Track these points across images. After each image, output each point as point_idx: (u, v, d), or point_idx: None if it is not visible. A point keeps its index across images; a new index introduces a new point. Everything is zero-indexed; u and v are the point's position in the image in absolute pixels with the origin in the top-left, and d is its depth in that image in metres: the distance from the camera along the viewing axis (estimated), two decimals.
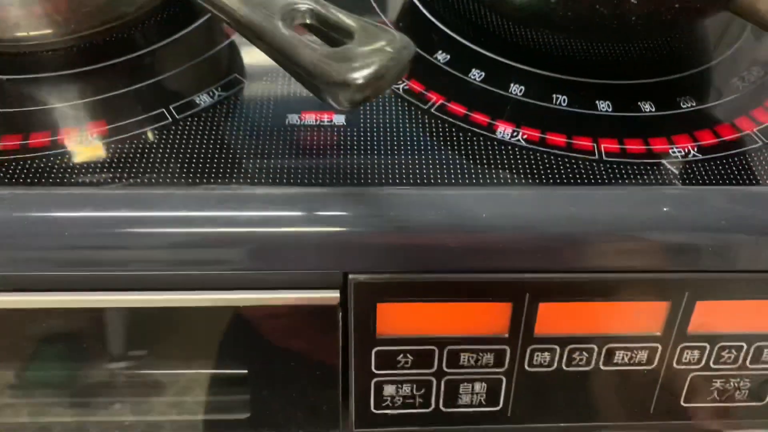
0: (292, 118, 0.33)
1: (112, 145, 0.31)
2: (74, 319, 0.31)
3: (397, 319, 0.31)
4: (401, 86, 0.35)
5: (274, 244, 0.29)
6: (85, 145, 0.31)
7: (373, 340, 0.31)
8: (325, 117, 0.33)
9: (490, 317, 0.31)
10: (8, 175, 0.30)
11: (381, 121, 0.33)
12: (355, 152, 0.31)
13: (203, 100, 0.33)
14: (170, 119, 0.32)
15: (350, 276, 0.30)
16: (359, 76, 0.20)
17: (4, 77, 0.35)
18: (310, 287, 0.30)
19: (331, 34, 0.22)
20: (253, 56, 0.36)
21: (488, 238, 0.29)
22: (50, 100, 0.34)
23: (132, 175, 0.30)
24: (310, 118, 0.33)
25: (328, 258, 0.30)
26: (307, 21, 0.22)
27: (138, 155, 0.31)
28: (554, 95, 0.34)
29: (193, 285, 0.30)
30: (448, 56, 0.36)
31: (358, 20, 0.22)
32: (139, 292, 0.30)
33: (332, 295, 0.30)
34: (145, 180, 0.30)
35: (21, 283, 0.30)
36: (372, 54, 0.20)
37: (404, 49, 0.21)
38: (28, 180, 0.29)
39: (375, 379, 0.33)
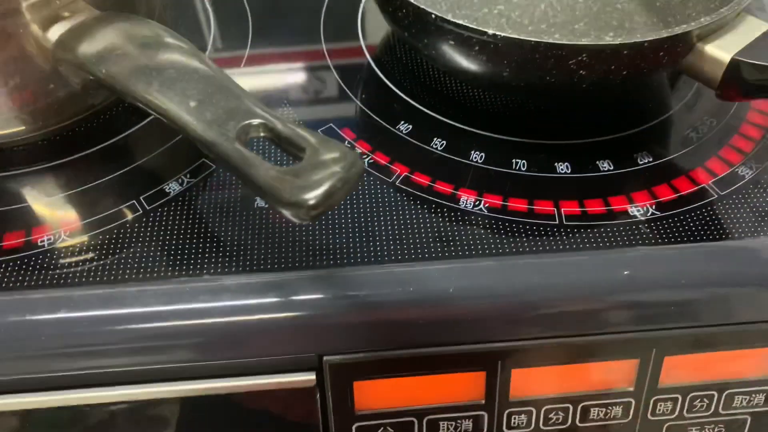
0: (261, 201, 0.34)
1: (86, 242, 0.32)
2: (56, 417, 0.31)
3: (374, 394, 0.32)
4: (367, 159, 0.36)
5: (247, 333, 0.30)
6: (59, 243, 0.32)
7: (352, 417, 0.32)
8: None
9: (465, 386, 0.32)
10: None
11: (348, 198, 0.34)
12: (324, 232, 0.32)
13: (172, 188, 0.34)
14: (141, 210, 0.33)
15: (325, 358, 0.30)
16: (310, 197, 0.21)
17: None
18: (285, 371, 0.31)
19: (285, 146, 0.23)
20: None
21: (456, 312, 0.30)
22: (22, 197, 0.34)
23: (107, 271, 0.31)
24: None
25: (301, 342, 0.30)
26: (261, 134, 0.23)
27: (111, 250, 0.32)
28: (514, 160, 0.35)
29: (171, 376, 0.31)
30: (410, 126, 0.37)
31: (310, 134, 0.22)
32: (120, 386, 0.30)
33: (308, 378, 0.31)
34: (119, 276, 0.30)
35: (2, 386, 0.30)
36: (322, 174, 0.21)
37: (353, 167, 0.21)
38: (2, 284, 0.30)
39: None
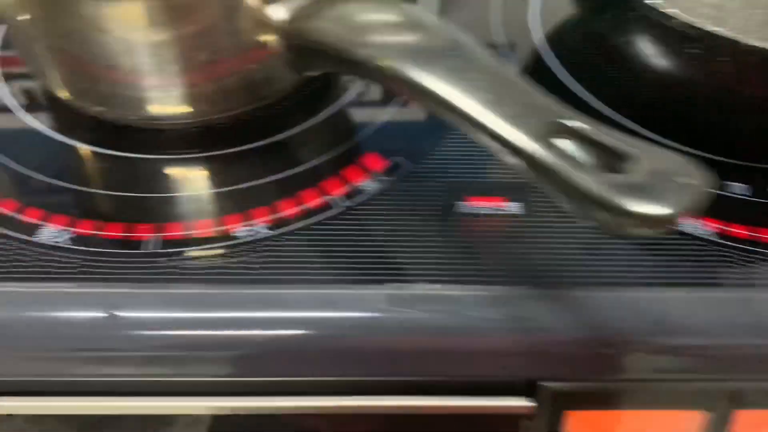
0: (462, 206, 0.31)
1: (281, 239, 0.29)
2: None
3: (585, 425, 0.29)
4: None
5: (462, 350, 0.28)
6: (253, 237, 0.29)
7: None
8: (503, 203, 0.31)
9: (684, 423, 0.29)
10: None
11: (564, 211, 0.31)
12: (537, 245, 0.30)
13: (368, 186, 0.32)
14: (338, 209, 0.31)
15: (541, 384, 0.28)
16: (667, 211, 0.18)
17: (139, 155, 0.33)
18: (494, 393, 0.29)
19: (597, 153, 0.20)
20: (413, 136, 0.34)
21: (701, 344, 0.28)
22: (191, 185, 0.32)
23: (302, 271, 0.28)
24: (481, 204, 0.31)
25: (518, 364, 0.28)
26: (568, 138, 0.21)
27: (305, 249, 0.29)
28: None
29: (366, 390, 0.28)
30: None
31: (636, 141, 0.20)
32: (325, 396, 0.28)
33: (524, 404, 0.28)
34: (321, 275, 0.28)
35: None
36: (673, 185, 0.18)
37: (702, 178, 0.19)
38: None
39: None
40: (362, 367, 0.27)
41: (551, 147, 0.20)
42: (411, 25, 0.24)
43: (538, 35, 0.40)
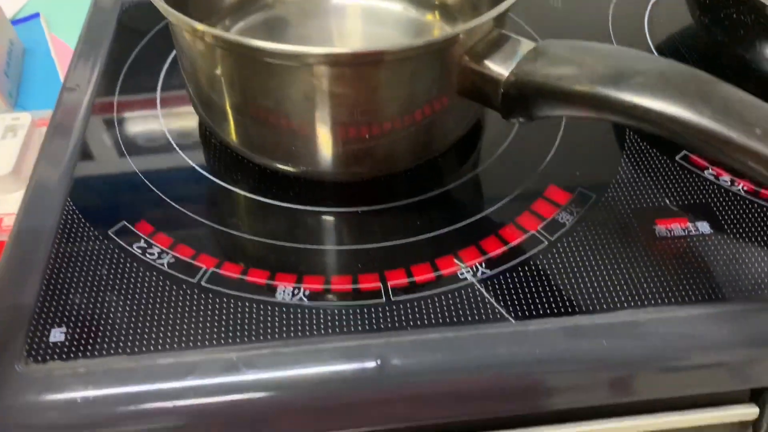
0: (659, 230, 0.33)
1: (500, 275, 0.31)
2: None
3: None
4: None
5: (696, 365, 0.29)
6: (474, 276, 0.31)
7: None
8: (689, 225, 0.33)
9: None
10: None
11: (748, 225, 0.33)
12: (732, 261, 0.31)
13: (565, 218, 0.33)
14: (546, 242, 0.32)
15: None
16: None
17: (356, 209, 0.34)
18: (719, 404, 0.31)
19: None
20: (588, 167, 0.36)
21: None
22: (400, 233, 0.34)
23: (518, 309, 0.30)
24: (674, 227, 0.33)
25: (747, 373, 0.30)
26: None
27: (518, 284, 0.31)
28: None
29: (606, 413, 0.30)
30: None
31: None
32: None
33: (749, 411, 0.30)
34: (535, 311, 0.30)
35: None
36: None
37: None
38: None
39: None
40: (610, 392, 0.29)
41: None
42: (634, 58, 0.26)
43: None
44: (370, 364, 0.27)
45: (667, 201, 0.34)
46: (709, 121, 0.24)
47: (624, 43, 0.44)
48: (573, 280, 0.31)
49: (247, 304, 0.30)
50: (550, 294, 0.30)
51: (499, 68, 0.29)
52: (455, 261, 0.32)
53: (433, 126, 0.34)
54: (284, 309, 0.29)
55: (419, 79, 0.32)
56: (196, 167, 0.37)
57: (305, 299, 0.30)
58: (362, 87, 0.31)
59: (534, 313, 0.29)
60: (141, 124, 0.39)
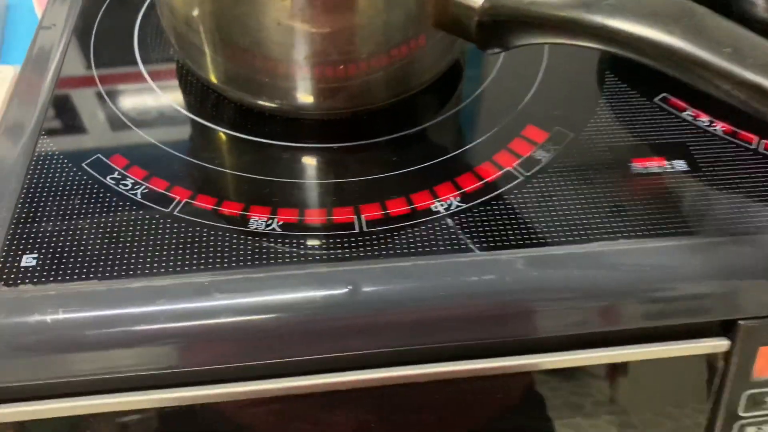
0: (635, 167, 0.33)
1: (474, 209, 0.31)
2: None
3: None
4: None
5: (672, 296, 0.29)
6: (450, 209, 0.31)
7: (746, 384, 0.32)
8: (665, 162, 0.33)
9: None
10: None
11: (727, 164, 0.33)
12: (711, 197, 0.31)
13: (542, 155, 0.33)
14: (521, 177, 0.32)
15: (740, 322, 0.30)
16: None
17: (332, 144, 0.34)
18: (693, 336, 0.31)
19: None
20: (566, 107, 0.36)
21: None
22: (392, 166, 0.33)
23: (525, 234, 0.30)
24: (650, 164, 0.33)
25: (719, 305, 0.30)
26: None
27: (492, 217, 0.31)
28: None
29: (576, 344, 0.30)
30: None
31: None
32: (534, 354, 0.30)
33: (721, 343, 0.30)
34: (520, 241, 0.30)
35: None
36: None
37: None
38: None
39: (739, 422, 0.33)
40: (581, 322, 0.29)
41: None
42: None
43: None
44: (342, 290, 0.28)
45: (645, 140, 0.34)
46: (677, 40, 0.23)
47: None
48: (547, 214, 0.31)
49: (219, 233, 0.30)
50: (523, 227, 0.30)
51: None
52: (430, 195, 0.32)
53: (410, 61, 0.34)
54: (257, 238, 0.29)
55: (394, 10, 0.31)
56: (173, 104, 0.36)
57: (278, 229, 0.30)
58: (337, 16, 0.31)
59: (507, 243, 0.29)
60: (118, 61, 0.39)
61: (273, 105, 0.35)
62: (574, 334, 0.30)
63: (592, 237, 0.30)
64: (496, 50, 0.29)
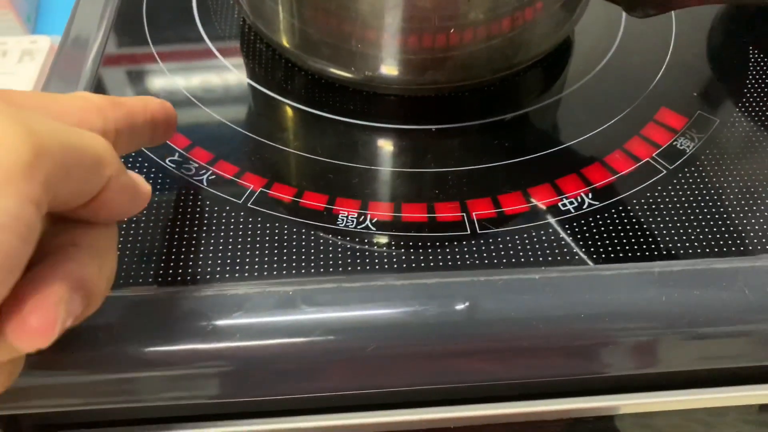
0: None
1: (612, 208, 0.25)
2: None
3: None
4: None
5: None
6: (581, 207, 0.25)
7: None
8: None
9: None
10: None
11: None
12: None
13: (686, 145, 0.28)
14: (664, 171, 0.27)
15: None
16: None
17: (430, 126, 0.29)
18: None
19: None
20: (705, 86, 0.30)
21: None
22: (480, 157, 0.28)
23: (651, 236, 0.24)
24: None
25: None
26: None
27: (635, 218, 0.25)
28: None
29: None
30: None
31: None
32: None
33: None
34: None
35: None
36: None
37: None
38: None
39: None
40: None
41: None
42: None
43: None
44: (457, 307, 0.22)
45: None
46: None
47: None
48: (702, 217, 0.25)
49: (303, 230, 0.24)
50: (676, 232, 0.24)
51: None
52: (553, 191, 0.26)
53: (520, 32, 0.28)
54: (347, 237, 0.24)
55: None
56: (239, 74, 0.31)
57: (372, 227, 0.25)
58: None
59: (660, 253, 0.24)
60: (174, 27, 0.33)
61: (358, 78, 0.29)
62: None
63: (761, 247, 0.24)
64: (650, 12, 0.24)
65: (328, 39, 0.28)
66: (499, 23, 0.28)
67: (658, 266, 0.23)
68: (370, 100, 0.30)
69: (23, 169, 0.15)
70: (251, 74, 0.31)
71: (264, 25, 0.30)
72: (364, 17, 0.27)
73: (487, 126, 0.29)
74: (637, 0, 0.24)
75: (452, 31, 0.27)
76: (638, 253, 0.24)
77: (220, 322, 0.22)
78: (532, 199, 0.26)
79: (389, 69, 0.28)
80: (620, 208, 0.25)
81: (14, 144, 0.15)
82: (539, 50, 0.31)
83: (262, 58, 0.32)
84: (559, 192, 0.26)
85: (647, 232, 0.25)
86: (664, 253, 0.24)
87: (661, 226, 0.25)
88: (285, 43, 0.30)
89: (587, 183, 0.26)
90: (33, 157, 0.15)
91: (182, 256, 0.24)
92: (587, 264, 0.24)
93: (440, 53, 0.28)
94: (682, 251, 0.24)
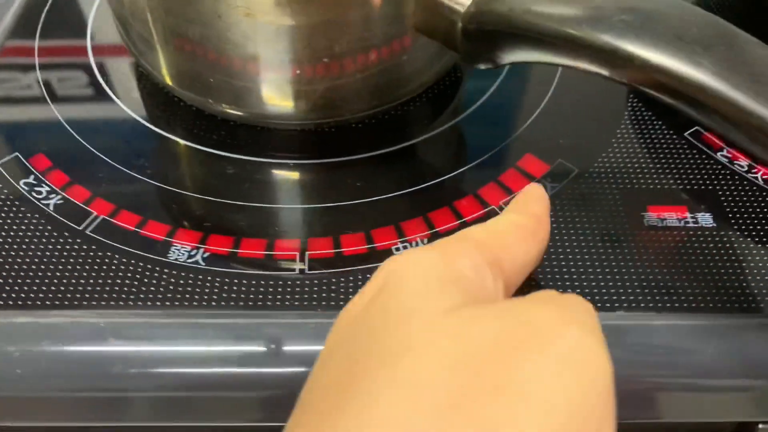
0: (648, 218, 0.27)
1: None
2: None
3: None
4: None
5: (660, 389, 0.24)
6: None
7: None
8: (687, 215, 0.27)
9: None
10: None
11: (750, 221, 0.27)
12: (729, 264, 0.26)
13: None
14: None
15: (762, 426, 0.24)
16: None
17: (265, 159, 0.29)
18: None
19: None
20: (576, 135, 0.30)
21: None
22: (333, 195, 0.28)
23: None
24: (668, 215, 0.27)
25: (734, 404, 0.24)
26: None
27: None
28: None
29: None
30: None
31: None
32: None
33: None
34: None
35: None
36: None
37: None
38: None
39: None
40: None
41: None
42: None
43: None
44: (260, 348, 0.23)
45: (666, 185, 0.28)
46: (704, 75, 0.18)
47: None
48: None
49: (133, 261, 0.25)
50: None
51: None
52: (395, 233, 0.27)
53: (389, 68, 0.29)
54: (174, 271, 0.24)
55: (370, 7, 0.26)
56: (120, 103, 0.31)
57: (202, 262, 0.25)
58: (302, 7, 0.26)
59: None
60: (63, 54, 0.34)
61: (221, 109, 0.29)
62: None
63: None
64: (483, 66, 0.24)
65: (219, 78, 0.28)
66: (365, 58, 0.28)
67: None
68: (232, 131, 0.30)
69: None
70: (127, 103, 0.32)
71: (135, 49, 0.31)
72: (232, 53, 0.27)
73: (349, 162, 0.29)
74: (471, 53, 0.24)
75: (318, 66, 0.27)
76: None
77: (28, 349, 0.22)
78: (373, 241, 0.26)
79: (249, 103, 0.29)
80: None
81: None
82: (412, 86, 0.31)
83: (142, 83, 0.32)
84: (401, 235, 0.26)
85: None
86: None
87: None
88: (157, 70, 0.30)
89: (431, 227, 0.27)
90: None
91: (9, 280, 0.24)
92: None
93: (306, 87, 0.28)
94: None
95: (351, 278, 0.25)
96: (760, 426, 0.24)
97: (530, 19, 0.21)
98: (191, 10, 0.27)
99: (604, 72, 0.20)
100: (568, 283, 0.25)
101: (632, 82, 0.19)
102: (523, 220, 0.21)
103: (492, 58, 0.23)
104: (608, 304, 0.24)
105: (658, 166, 0.29)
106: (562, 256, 0.25)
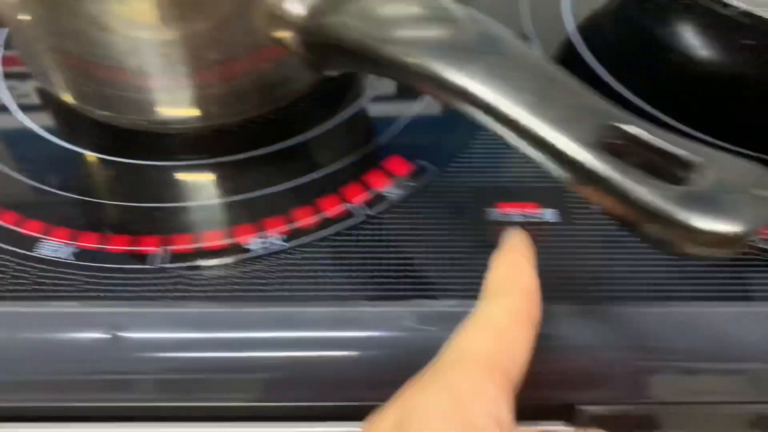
0: (493, 213, 0.29)
1: (297, 251, 0.27)
2: None
3: None
4: None
5: None
6: (268, 248, 0.27)
7: None
8: (536, 210, 0.29)
9: None
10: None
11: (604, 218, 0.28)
12: (575, 255, 0.27)
13: (391, 192, 0.29)
14: (362, 217, 0.28)
15: (580, 407, 0.26)
16: (738, 229, 0.15)
17: (146, 162, 0.31)
18: (529, 418, 0.26)
19: (656, 161, 0.17)
20: (438, 138, 0.32)
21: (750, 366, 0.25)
22: (201, 194, 0.30)
23: (319, 287, 0.26)
24: (513, 211, 0.29)
25: (555, 387, 0.26)
26: (623, 143, 0.18)
27: (323, 263, 0.27)
28: None
29: None
30: None
31: (702, 148, 0.17)
32: None
33: (561, 429, 0.26)
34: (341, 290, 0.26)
35: None
36: (748, 200, 0.16)
37: None
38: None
39: None
40: (384, 390, 0.25)
41: (603, 154, 0.17)
42: (440, 17, 0.21)
43: (570, 26, 0.38)
44: (100, 335, 0.24)
45: (512, 183, 0.29)
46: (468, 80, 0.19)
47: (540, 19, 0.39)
48: (380, 262, 0.27)
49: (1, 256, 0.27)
50: (330, 279, 0.26)
51: (296, 6, 0.25)
52: (253, 229, 0.28)
53: (267, 74, 0.30)
54: (39, 265, 0.26)
55: (231, 20, 0.28)
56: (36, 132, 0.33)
57: (66, 256, 0.27)
58: (182, 26, 0.27)
59: (311, 295, 0.26)
60: None
61: (139, 121, 0.31)
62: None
63: (411, 294, 0.26)
64: (327, 72, 0.25)
65: (103, 90, 0.30)
66: (245, 62, 0.30)
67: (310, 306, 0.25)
68: (160, 140, 0.32)
69: None
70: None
71: (45, 82, 0.32)
72: (129, 66, 0.29)
73: (224, 164, 0.31)
74: (315, 63, 0.25)
75: (209, 70, 0.29)
76: (298, 293, 0.26)
77: None
78: (231, 237, 0.28)
79: (163, 112, 0.30)
80: (305, 250, 0.27)
81: None
82: (293, 89, 0.32)
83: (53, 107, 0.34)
84: (259, 230, 0.28)
85: (329, 275, 0.27)
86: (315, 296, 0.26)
87: (341, 269, 0.27)
88: (66, 96, 0.32)
89: (290, 222, 0.28)
90: None
91: None
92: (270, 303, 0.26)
93: (205, 93, 0.30)
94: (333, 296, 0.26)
95: (201, 272, 0.27)
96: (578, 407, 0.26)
97: (353, 35, 0.22)
98: (76, 28, 0.29)
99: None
100: (400, 275, 0.26)
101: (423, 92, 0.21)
102: (517, 303, 0.20)
103: (330, 67, 0.25)
104: (432, 292, 0.26)
105: (509, 165, 0.30)
106: (399, 252, 0.27)
